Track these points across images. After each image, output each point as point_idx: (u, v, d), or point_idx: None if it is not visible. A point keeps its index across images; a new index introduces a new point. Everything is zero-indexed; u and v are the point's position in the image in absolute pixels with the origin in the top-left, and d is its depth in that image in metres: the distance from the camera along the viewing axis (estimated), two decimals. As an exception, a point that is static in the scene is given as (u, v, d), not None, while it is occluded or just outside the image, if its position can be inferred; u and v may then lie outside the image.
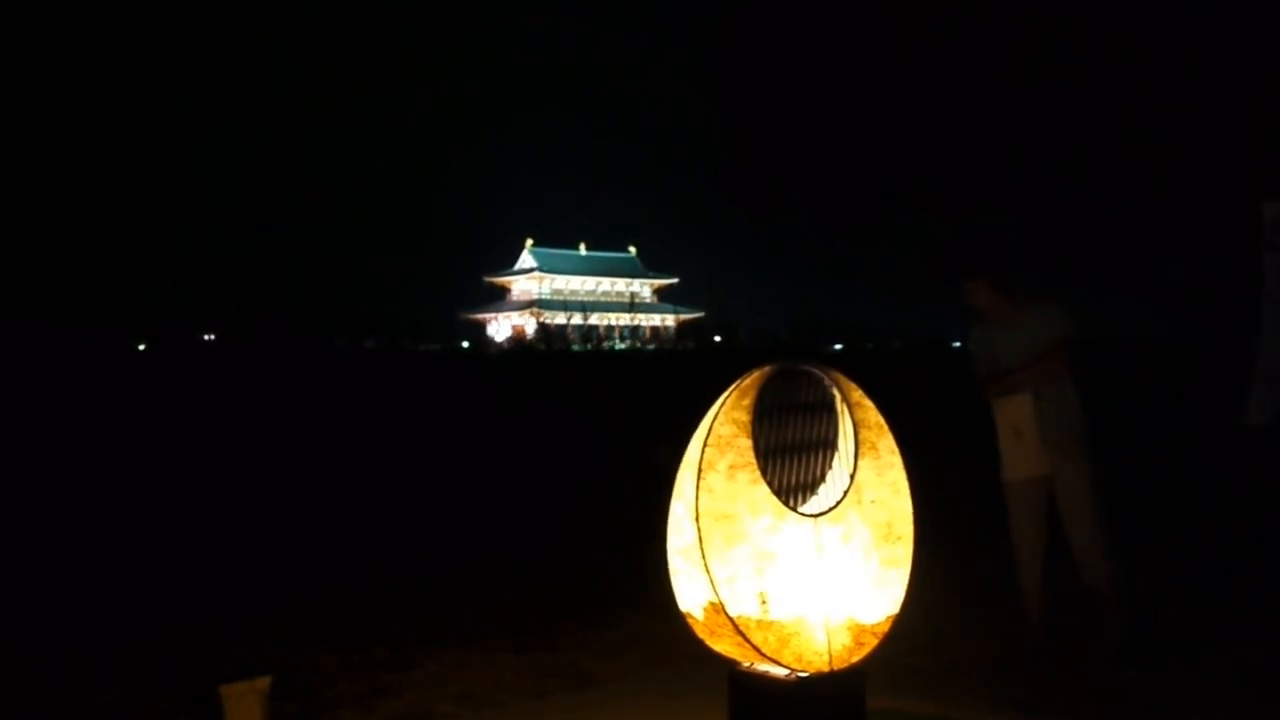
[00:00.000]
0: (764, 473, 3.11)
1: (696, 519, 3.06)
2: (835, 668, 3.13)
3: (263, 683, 3.81)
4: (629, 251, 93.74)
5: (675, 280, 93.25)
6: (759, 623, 3.07)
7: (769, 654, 3.07)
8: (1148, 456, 11.48)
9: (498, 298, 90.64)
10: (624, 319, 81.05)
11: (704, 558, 3.05)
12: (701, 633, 3.25)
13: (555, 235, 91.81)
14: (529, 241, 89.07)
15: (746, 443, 3.13)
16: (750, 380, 3.23)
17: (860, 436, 3.26)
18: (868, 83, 12.76)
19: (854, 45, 12.75)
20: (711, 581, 3.04)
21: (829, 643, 3.12)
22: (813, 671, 3.12)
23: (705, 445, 3.12)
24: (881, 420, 3.35)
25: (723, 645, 3.21)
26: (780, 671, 3.14)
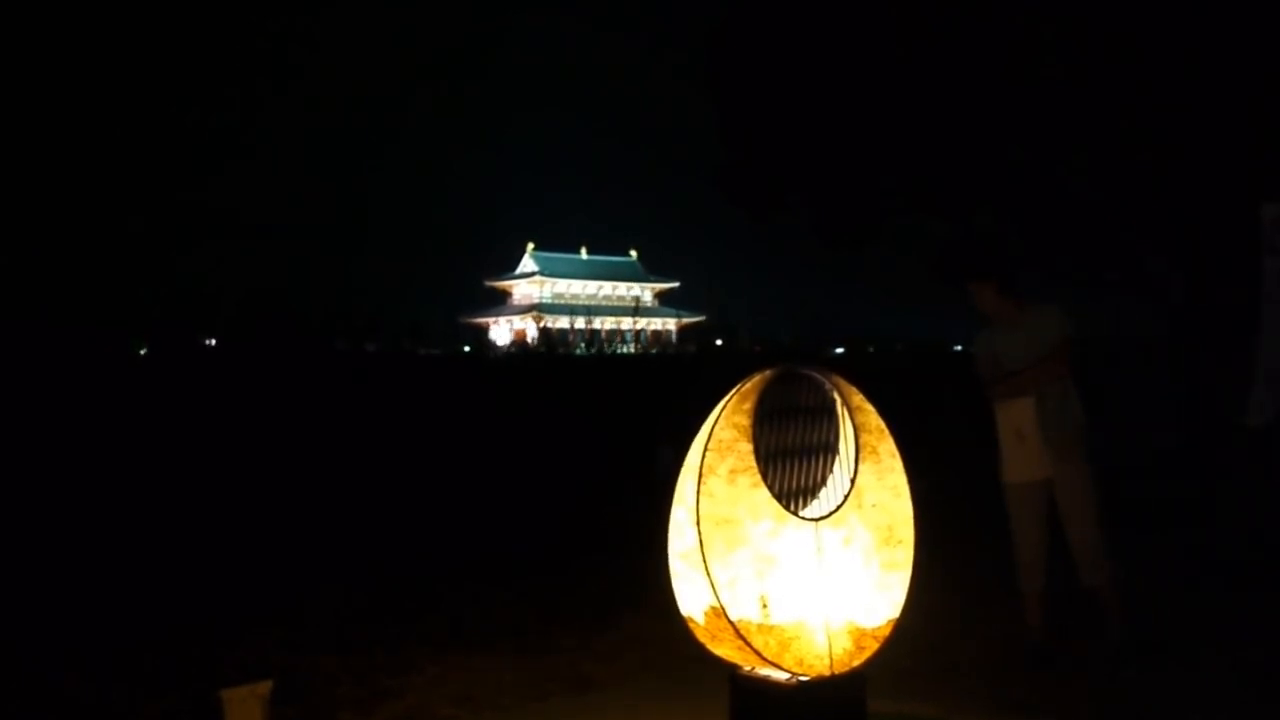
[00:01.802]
0: (765, 477, 3.12)
1: (697, 523, 3.06)
2: (836, 671, 3.14)
3: (263, 687, 3.81)
4: (630, 255, 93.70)
5: (676, 284, 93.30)
6: (760, 626, 3.08)
7: (770, 658, 3.08)
8: (1148, 457, 11.49)
9: (499, 301, 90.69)
10: (626, 322, 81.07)
11: (705, 561, 3.05)
12: (702, 636, 3.26)
13: (555, 237, 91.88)
14: (530, 245, 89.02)
15: (747, 447, 3.14)
16: (751, 384, 3.24)
17: (861, 440, 3.27)
18: (867, 83, 12.77)
19: (854, 45, 12.75)
20: (712, 585, 3.05)
21: (830, 646, 3.12)
22: (814, 675, 3.12)
23: (706, 449, 3.13)
24: (882, 424, 3.36)
25: (724, 649, 3.21)
26: (781, 675, 3.14)
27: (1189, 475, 10.10)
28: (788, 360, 3.45)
